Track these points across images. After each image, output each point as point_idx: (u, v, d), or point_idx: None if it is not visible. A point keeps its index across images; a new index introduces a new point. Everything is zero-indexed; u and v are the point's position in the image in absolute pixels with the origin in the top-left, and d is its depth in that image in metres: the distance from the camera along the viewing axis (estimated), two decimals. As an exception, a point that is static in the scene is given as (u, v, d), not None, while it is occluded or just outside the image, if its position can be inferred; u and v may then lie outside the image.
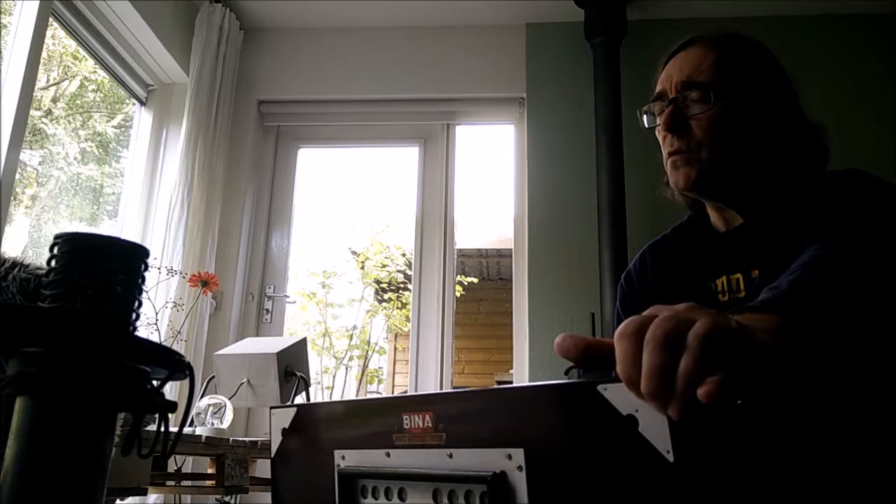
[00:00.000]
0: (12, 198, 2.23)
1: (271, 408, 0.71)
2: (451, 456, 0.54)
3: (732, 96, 0.96)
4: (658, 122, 1.01)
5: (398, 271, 4.34)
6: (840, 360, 0.68)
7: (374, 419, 0.62)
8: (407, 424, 0.57)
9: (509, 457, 0.51)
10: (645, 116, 1.04)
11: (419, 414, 0.57)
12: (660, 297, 0.55)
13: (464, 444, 0.54)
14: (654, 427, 0.44)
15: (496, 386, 0.54)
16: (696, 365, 0.46)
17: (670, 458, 0.43)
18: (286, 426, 0.70)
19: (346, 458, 0.63)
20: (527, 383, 0.48)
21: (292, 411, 0.70)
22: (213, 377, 2.10)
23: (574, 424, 0.49)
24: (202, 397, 2.10)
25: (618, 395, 0.46)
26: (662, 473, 0.43)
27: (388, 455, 0.59)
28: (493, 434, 0.52)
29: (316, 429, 0.69)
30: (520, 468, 0.50)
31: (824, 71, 2.90)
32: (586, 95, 2.90)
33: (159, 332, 2.35)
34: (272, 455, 0.71)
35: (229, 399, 2.05)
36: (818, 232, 0.81)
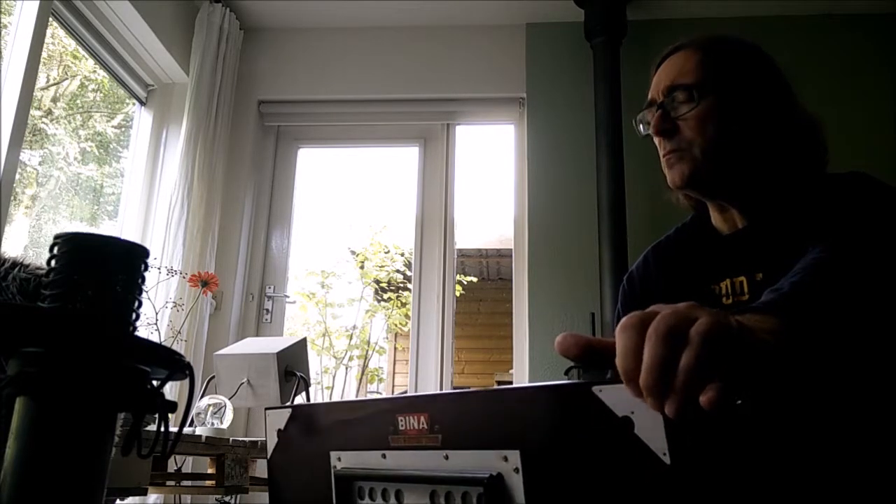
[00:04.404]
0: (12, 198, 2.22)
1: (266, 408, 0.71)
2: (447, 458, 0.54)
3: (718, 92, 0.96)
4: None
5: (397, 271, 4.34)
6: (840, 362, 0.68)
7: (369, 420, 0.62)
8: (402, 426, 0.57)
9: (505, 458, 0.50)
10: (641, 126, 1.05)
11: (414, 416, 0.56)
12: (663, 299, 0.55)
13: (460, 445, 0.54)
14: (651, 429, 0.44)
15: (492, 387, 0.54)
16: (696, 360, 0.46)
17: (667, 460, 0.43)
18: (281, 427, 0.69)
19: (343, 460, 0.63)
20: (522, 384, 0.48)
21: (287, 412, 0.69)
22: (213, 377, 2.10)
23: (570, 426, 0.48)
24: (202, 397, 2.10)
25: (613, 397, 0.46)
26: (659, 476, 0.43)
27: (384, 457, 0.59)
28: (489, 436, 0.52)
29: (311, 430, 0.68)
30: (516, 470, 0.50)
31: (824, 71, 2.90)
32: (586, 95, 2.90)
33: (159, 332, 2.35)
34: (268, 456, 0.71)
35: (229, 399, 2.05)
36: (822, 235, 0.81)
